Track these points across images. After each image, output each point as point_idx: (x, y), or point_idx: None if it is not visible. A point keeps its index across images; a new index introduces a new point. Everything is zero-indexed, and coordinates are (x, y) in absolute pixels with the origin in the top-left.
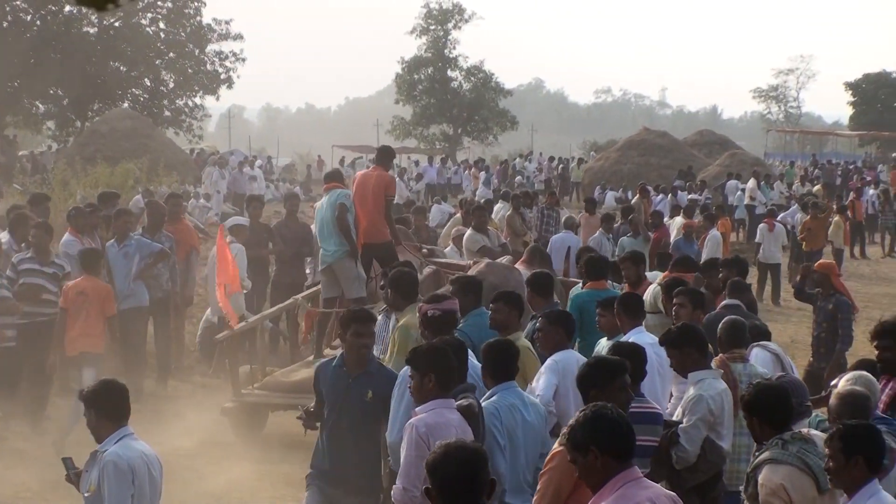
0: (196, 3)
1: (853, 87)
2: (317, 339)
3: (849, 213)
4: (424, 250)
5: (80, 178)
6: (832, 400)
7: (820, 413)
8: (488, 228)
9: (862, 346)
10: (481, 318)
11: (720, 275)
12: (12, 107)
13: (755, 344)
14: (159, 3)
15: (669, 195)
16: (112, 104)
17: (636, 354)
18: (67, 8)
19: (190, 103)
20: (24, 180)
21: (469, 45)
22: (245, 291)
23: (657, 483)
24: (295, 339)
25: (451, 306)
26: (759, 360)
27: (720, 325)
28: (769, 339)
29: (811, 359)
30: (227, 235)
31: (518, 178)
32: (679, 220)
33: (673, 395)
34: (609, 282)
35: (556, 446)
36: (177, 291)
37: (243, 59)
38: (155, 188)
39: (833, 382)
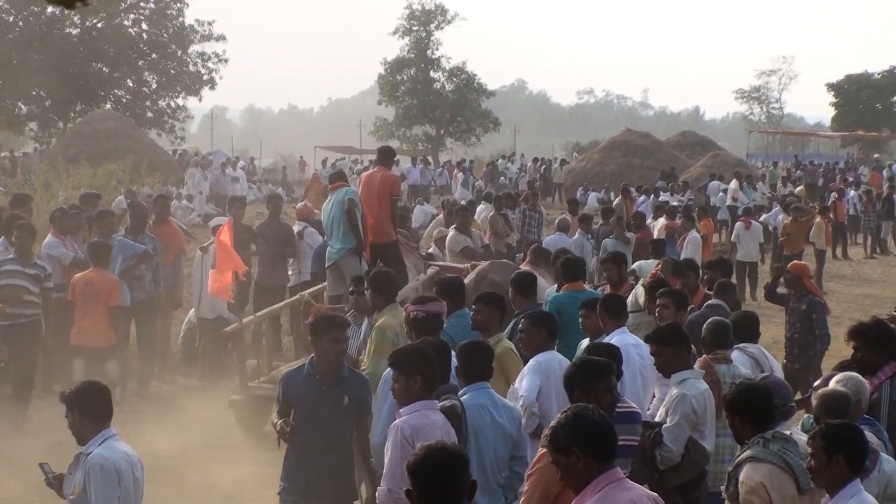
0: (178, 4)
1: (835, 87)
2: None
3: (831, 214)
4: (427, 253)
5: (62, 180)
6: (814, 400)
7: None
8: (471, 230)
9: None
10: (464, 319)
11: (706, 276)
12: None
13: (735, 346)
14: (142, 3)
15: (652, 196)
16: (94, 105)
17: (612, 355)
18: (50, 9)
19: (172, 104)
20: (6, 181)
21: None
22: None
23: (641, 484)
24: (277, 340)
25: (438, 308)
26: (737, 363)
27: (704, 326)
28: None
29: (784, 360)
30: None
31: (501, 179)
32: (661, 221)
33: (655, 397)
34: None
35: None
36: (160, 293)
37: (226, 60)
38: (137, 189)
39: (816, 384)
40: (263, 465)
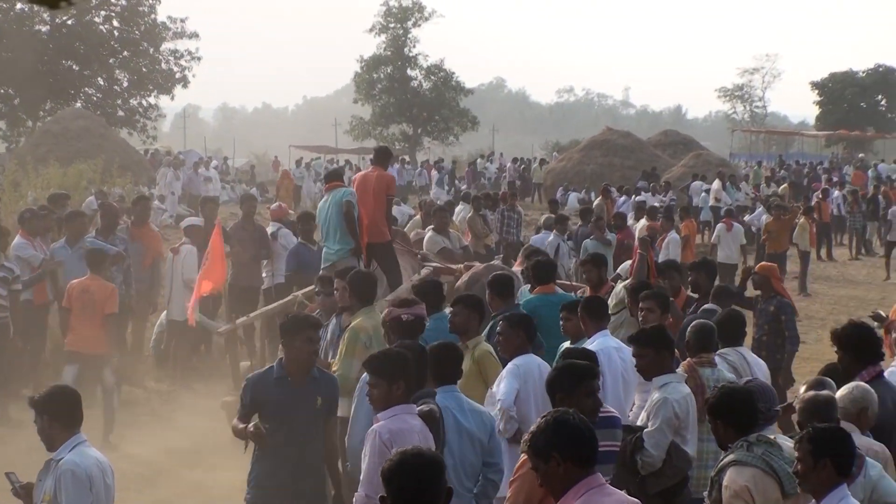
0: (151, 1)
1: (819, 86)
2: None
3: (815, 214)
4: (421, 254)
5: (31, 180)
6: (798, 405)
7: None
8: (449, 231)
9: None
10: (442, 322)
11: (689, 278)
12: None
13: (716, 353)
14: (113, 0)
15: (633, 196)
16: (65, 104)
17: (588, 360)
18: (19, 5)
19: (144, 103)
20: None
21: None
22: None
23: (622, 490)
24: (252, 344)
25: (422, 311)
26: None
27: (689, 329)
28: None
29: None
30: (184, 236)
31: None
32: (643, 222)
33: (635, 404)
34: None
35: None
36: (132, 295)
37: (199, 58)
38: (108, 190)
39: (801, 389)
40: (239, 470)
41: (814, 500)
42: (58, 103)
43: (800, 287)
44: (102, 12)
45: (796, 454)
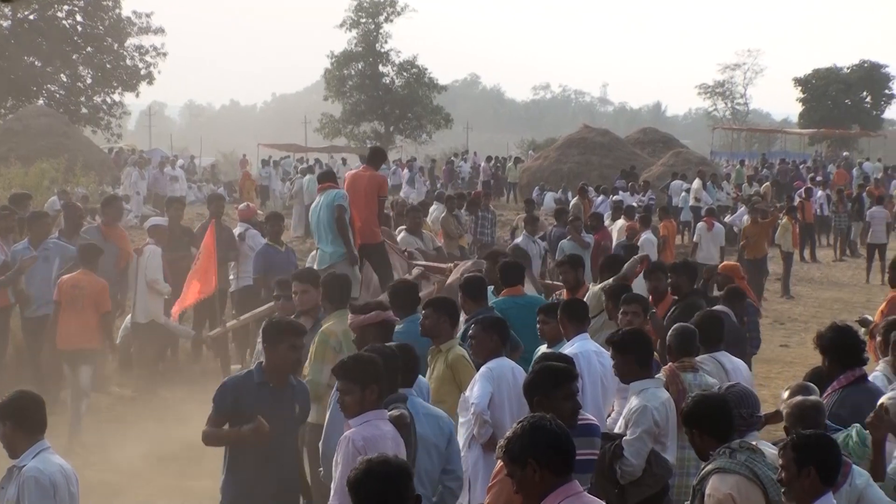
0: None
1: (802, 82)
2: None
3: (798, 214)
4: (407, 252)
5: None
6: (785, 411)
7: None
8: (422, 231)
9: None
10: (414, 325)
11: (669, 279)
12: None
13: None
14: None
15: (611, 196)
16: (26, 101)
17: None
18: None
19: (108, 100)
20: None
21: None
22: (165, 297)
23: (601, 500)
24: (225, 349)
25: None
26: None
27: (670, 332)
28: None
29: None
30: (148, 237)
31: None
32: (621, 222)
33: (614, 409)
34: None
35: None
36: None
37: (164, 54)
38: (71, 189)
39: (786, 395)
40: (208, 478)
41: None
42: (19, 100)
43: (783, 289)
44: (65, 7)
45: (780, 461)
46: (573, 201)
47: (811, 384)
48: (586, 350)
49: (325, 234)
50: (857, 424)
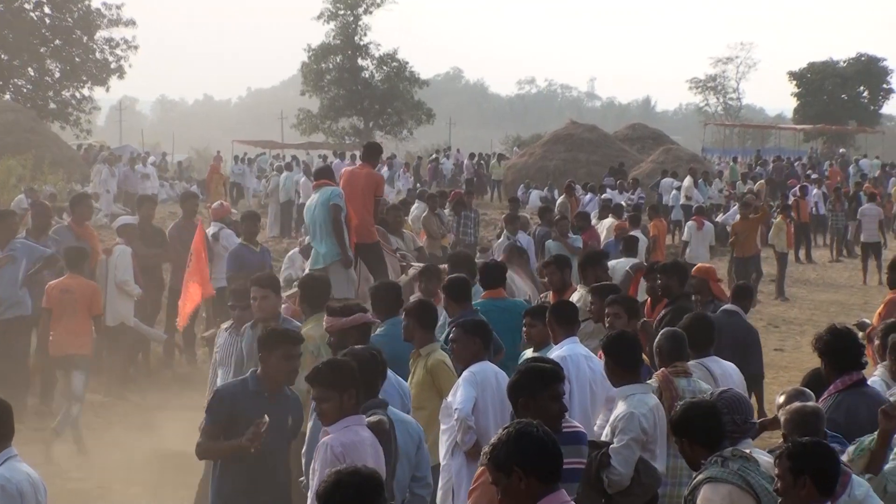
0: None
1: (797, 76)
2: None
3: (792, 213)
4: (400, 253)
5: None
6: (783, 417)
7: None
8: (403, 231)
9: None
10: (396, 328)
11: (658, 281)
12: None
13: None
14: None
15: (599, 194)
16: None
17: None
18: None
19: (77, 95)
20: None
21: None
22: (136, 299)
23: None
24: (192, 352)
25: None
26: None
27: (660, 335)
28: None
29: None
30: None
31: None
32: (609, 221)
33: (601, 416)
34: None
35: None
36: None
37: (136, 47)
38: (39, 187)
39: (781, 400)
40: (182, 488)
41: None
42: None
43: (777, 291)
44: None
45: (776, 470)
46: (560, 200)
47: (807, 389)
48: (575, 354)
49: (319, 233)
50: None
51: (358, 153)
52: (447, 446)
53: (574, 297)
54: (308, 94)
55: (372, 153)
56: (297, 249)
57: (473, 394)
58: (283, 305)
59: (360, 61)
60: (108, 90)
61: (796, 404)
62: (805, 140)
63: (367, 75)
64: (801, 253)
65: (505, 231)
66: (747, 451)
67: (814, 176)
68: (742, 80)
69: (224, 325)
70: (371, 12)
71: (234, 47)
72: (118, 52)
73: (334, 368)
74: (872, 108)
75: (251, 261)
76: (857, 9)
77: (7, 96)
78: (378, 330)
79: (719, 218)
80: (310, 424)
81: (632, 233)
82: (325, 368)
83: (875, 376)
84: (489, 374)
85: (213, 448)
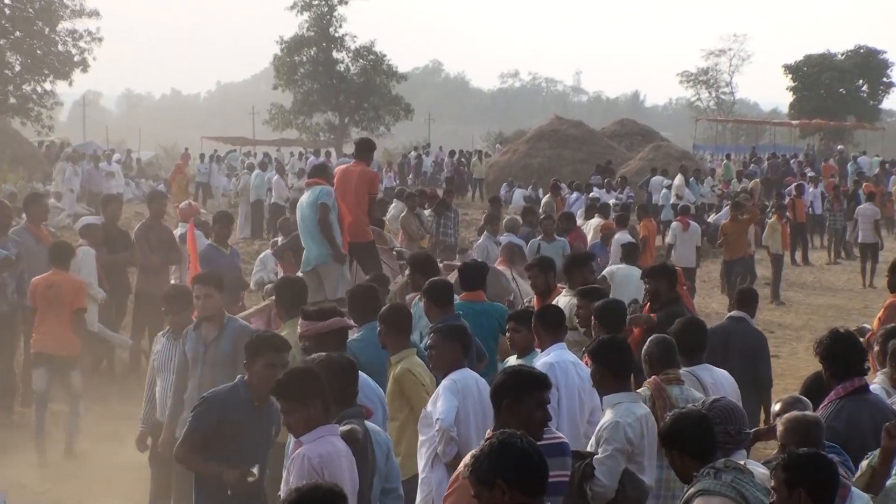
0: None
1: (793, 70)
2: None
3: (788, 213)
4: (397, 250)
5: None
6: (779, 427)
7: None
8: (381, 231)
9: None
10: (373, 333)
11: (647, 285)
12: None
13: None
14: None
15: (585, 193)
16: None
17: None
18: None
19: (39, 89)
20: None
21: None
22: (99, 302)
23: None
24: None
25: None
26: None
27: (650, 341)
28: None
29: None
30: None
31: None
32: (596, 221)
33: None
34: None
35: (460, 467)
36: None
37: (100, 39)
38: None
39: (777, 409)
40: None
41: None
42: None
43: (772, 295)
44: None
45: (772, 482)
46: (544, 199)
47: (804, 398)
48: (563, 360)
49: (308, 234)
50: None
51: (332, 150)
52: (427, 458)
53: (562, 303)
54: (281, 88)
55: (365, 150)
56: (268, 251)
57: (455, 403)
58: (253, 323)
59: (335, 54)
60: (70, 84)
61: (794, 413)
62: (801, 136)
63: (342, 68)
64: (798, 255)
65: (485, 231)
66: (742, 462)
67: (811, 174)
68: (735, 74)
69: (161, 332)
70: (347, 2)
71: (203, 39)
72: (81, 44)
73: (295, 379)
74: (872, 102)
75: (220, 263)
76: None
77: None
78: (355, 335)
79: (711, 218)
80: (290, 436)
81: (619, 234)
82: (286, 380)
83: (875, 384)
84: (470, 382)
85: (195, 463)
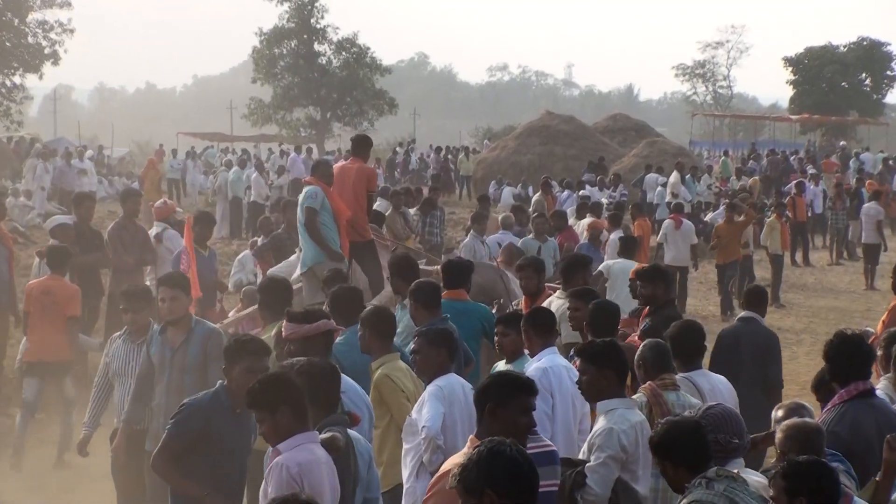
0: None
1: (793, 62)
2: None
3: (788, 212)
4: (394, 248)
5: None
6: (778, 434)
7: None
8: None
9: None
10: (356, 337)
11: (640, 288)
12: None
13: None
14: None
15: (577, 191)
16: None
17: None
18: None
19: (8, 83)
20: None
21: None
22: None
23: None
24: None
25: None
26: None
27: (644, 345)
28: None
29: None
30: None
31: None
32: (589, 220)
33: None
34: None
35: (442, 469)
36: None
37: (72, 31)
38: None
39: (779, 414)
40: None
41: None
42: None
43: (772, 297)
44: None
45: (771, 491)
46: (535, 197)
47: (806, 404)
48: (556, 365)
49: (302, 236)
50: None
51: (314, 146)
52: (412, 467)
53: (556, 305)
54: (260, 81)
55: (361, 146)
56: (247, 252)
57: (441, 409)
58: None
59: (316, 46)
60: (41, 78)
61: (794, 420)
62: (802, 132)
63: (324, 61)
64: (798, 255)
65: (472, 231)
66: (735, 471)
67: (812, 171)
68: (733, 67)
69: (116, 333)
70: None
71: (179, 30)
72: (52, 36)
73: (263, 387)
74: (875, 97)
75: (198, 265)
76: None
77: None
78: (339, 338)
79: (707, 217)
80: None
81: (612, 234)
82: (254, 388)
83: (878, 389)
84: (456, 388)
85: (173, 479)
